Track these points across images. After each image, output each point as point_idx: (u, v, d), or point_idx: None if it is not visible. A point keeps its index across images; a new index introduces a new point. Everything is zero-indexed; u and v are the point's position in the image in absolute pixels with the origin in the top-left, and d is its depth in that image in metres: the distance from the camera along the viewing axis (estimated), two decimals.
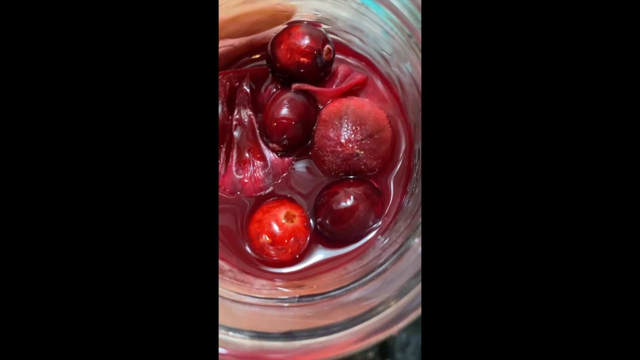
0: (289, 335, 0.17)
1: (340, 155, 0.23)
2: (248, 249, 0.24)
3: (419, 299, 0.17)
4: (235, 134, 0.25)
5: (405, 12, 0.21)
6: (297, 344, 0.17)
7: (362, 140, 0.23)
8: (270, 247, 0.23)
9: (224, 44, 0.26)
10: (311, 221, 0.24)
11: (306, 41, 0.24)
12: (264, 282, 0.23)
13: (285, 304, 0.20)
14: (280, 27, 0.26)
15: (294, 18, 0.25)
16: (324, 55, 0.25)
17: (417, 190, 0.23)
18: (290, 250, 0.23)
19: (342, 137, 0.23)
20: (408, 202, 0.24)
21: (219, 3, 0.21)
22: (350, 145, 0.23)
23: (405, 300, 0.17)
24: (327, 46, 0.25)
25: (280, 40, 0.25)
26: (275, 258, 0.23)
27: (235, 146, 0.25)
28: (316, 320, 0.18)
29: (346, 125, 0.23)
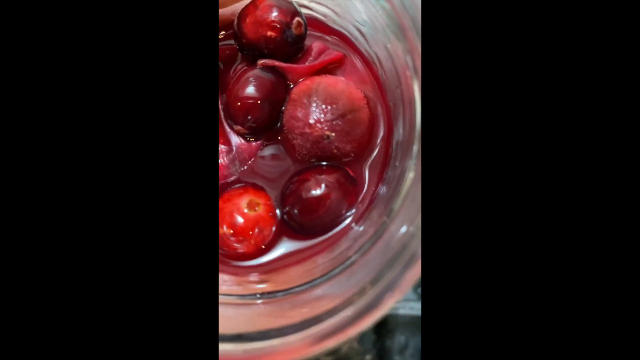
0: (239, 338, 0.15)
1: (310, 138, 0.21)
2: None
3: (384, 298, 0.14)
4: None
5: None
6: (247, 347, 0.15)
7: (332, 120, 0.21)
8: (232, 239, 0.21)
9: None
10: (277, 211, 0.22)
11: (274, 14, 0.22)
12: (226, 277, 0.21)
13: (246, 302, 0.18)
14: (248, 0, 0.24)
15: None
16: (293, 29, 0.23)
17: (392, 177, 0.21)
18: (253, 242, 0.21)
19: (311, 117, 0.21)
20: (382, 190, 0.22)
21: None
22: (320, 127, 0.21)
23: (364, 301, 0.14)
24: (297, 19, 0.23)
25: (246, 14, 0.23)
26: (237, 250, 0.21)
27: None
28: (272, 320, 0.16)
29: (315, 104, 0.21)
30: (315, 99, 0.21)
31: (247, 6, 0.23)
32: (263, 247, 0.21)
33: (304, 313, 0.15)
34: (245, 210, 0.21)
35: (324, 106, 0.21)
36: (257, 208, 0.21)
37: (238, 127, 0.22)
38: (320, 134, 0.21)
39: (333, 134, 0.21)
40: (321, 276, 0.19)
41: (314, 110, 0.21)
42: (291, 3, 0.23)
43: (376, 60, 0.23)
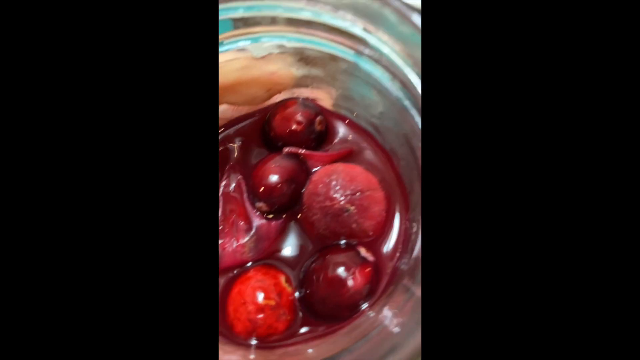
0: None
1: (330, 211, 0.22)
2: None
3: None
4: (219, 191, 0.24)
5: (402, 67, 0.21)
6: None
7: (352, 194, 0.22)
8: (260, 317, 0.20)
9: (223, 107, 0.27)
10: (297, 293, 0.22)
11: (300, 112, 0.25)
12: (234, 358, 0.19)
13: None
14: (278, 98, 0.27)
15: (289, 92, 0.27)
16: (316, 125, 0.25)
17: (412, 261, 0.21)
18: (281, 327, 0.20)
19: (332, 191, 0.22)
20: (402, 275, 0.21)
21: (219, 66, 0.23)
22: (340, 198, 0.22)
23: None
24: (320, 117, 0.26)
25: (275, 112, 0.26)
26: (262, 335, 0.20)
27: (221, 206, 0.24)
28: None
29: (335, 182, 0.22)
30: (335, 177, 0.22)
31: (277, 106, 0.26)
32: (286, 330, 0.20)
33: None
34: (264, 301, 0.21)
35: (343, 183, 0.22)
36: (285, 290, 0.21)
37: (261, 204, 0.23)
38: (340, 206, 0.22)
39: (352, 207, 0.22)
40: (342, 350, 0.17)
41: (334, 186, 0.22)
42: (314, 106, 0.26)
43: (395, 150, 0.25)
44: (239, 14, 0.20)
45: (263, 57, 0.23)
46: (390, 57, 0.19)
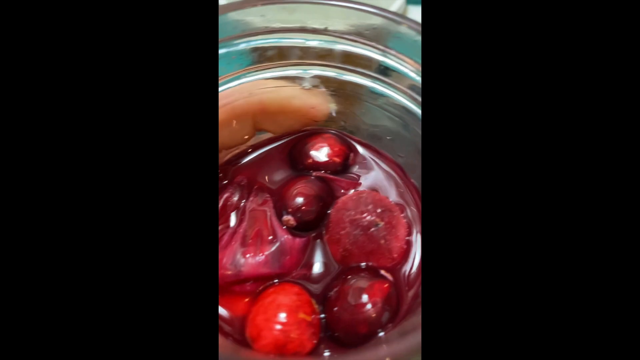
0: None
1: (359, 223, 0.22)
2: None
3: None
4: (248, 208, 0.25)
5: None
6: None
7: (381, 212, 0.23)
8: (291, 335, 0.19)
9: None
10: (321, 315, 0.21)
11: (333, 145, 0.27)
12: None
13: None
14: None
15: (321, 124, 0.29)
16: (347, 159, 0.27)
17: None
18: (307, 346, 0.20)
19: (361, 206, 0.23)
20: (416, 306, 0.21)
21: (263, 88, 0.25)
22: (371, 210, 0.23)
23: None
24: (350, 152, 0.28)
25: (309, 142, 0.28)
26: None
27: (247, 219, 0.24)
28: None
29: (365, 200, 0.23)
30: (364, 195, 0.24)
31: (311, 136, 0.28)
32: (311, 351, 0.19)
33: None
34: (308, 310, 0.20)
35: (372, 201, 0.23)
36: (316, 310, 0.21)
37: (288, 217, 0.24)
38: (370, 220, 0.22)
39: (382, 223, 0.22)
40: None
41: (364, 202, 0.23)
42: (346, 139, 0.28)
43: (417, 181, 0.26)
44: (300, 43, 0.24)
45: (309, 89, 0.26)
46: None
